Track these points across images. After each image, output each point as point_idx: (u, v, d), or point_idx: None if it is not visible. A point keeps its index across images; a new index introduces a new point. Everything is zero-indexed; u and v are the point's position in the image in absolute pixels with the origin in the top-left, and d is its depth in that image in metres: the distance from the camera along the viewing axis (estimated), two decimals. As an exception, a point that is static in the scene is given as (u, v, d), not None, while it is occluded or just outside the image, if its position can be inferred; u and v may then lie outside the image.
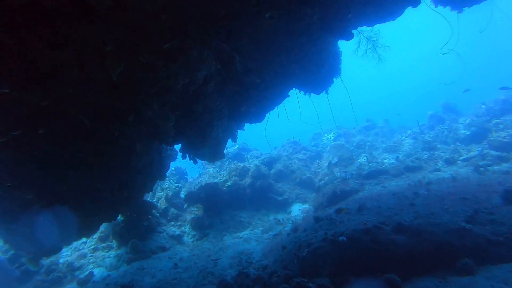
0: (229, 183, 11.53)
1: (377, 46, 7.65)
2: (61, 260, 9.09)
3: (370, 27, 7.16)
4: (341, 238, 4.73)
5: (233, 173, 12.31)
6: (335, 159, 12.86)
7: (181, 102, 5.77)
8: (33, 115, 3.87)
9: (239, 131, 8.86)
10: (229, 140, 8.54)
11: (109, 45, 3.56)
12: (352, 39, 6.90)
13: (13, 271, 8.34)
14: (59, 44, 3.27)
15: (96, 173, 5.26)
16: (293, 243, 5.85)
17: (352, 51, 7.73)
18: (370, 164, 11.51)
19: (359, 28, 7.26)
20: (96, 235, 9.65)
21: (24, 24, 2.88)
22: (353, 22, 6.57)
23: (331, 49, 7.54)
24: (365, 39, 7.51)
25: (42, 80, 3.42)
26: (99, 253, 9.62)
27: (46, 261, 8.22)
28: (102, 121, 4.44)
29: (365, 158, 12.74)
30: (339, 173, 11.37)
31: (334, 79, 8.21)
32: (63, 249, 7.75)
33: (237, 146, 16.87)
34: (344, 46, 7.53)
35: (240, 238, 9.23)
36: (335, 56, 7.86)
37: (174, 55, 4.36)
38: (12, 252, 8.36)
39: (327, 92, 8.51)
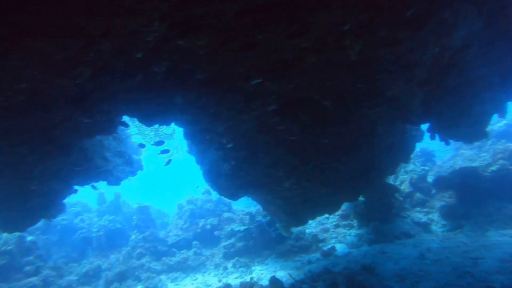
0: (493, 168, 10.96)
1: None
2: (307, 231, 12.56)
3: None
4: None
5: (499, 155, 11.40)
6: None
7: (431, 75, 6.35)
8: (285, 103, 5.91)
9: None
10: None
11: (347, 24, 4.65)
12: None
13: (271, 233, 12.63)
14: (298, 33, 4.67)
15: (338, 156, 7.09)
16: None
17: None
18: None
19: None
20: (338, 213, 12.36)
21: (269, 19, 4.50)
22: None
23: None
24: None
25: (286, 68, 5.21)
26: (340, 230, 12.41)
27: (295, 230, 11.73)
28: (342, 104, 5.99)
29: None
30: None
31: None
32: (309, 222, 10.75)
33: (504, 122, 15.03)
34: None
35: (512, 237, 8.66)
36: None
37: (420, 21, 4.94)
38: (269, 217, 12.56)
39: None
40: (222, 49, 4.58)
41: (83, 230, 15.34)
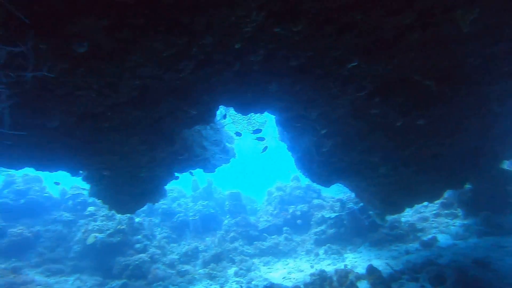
0: None
1: None
2: (403, 219, 11.90)
3: None
4: None
5: None
6: None
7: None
8: (382, 85, 5.65)
9: None
10: None
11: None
12: None
13: (363, 220, 12.27)
14: (400, 9, 4.30)
15: (441, 139, 6.58)
16: None
17: None
18: None
19: None
20: (439, 201, 11.44)
21: None
22: None
23: None
24: None
25: (384, 49, 4.94)
26: (442, 219, 11.49)
27: (389, 218, 11.20)
28: (447, 82, 5.51)
29: None
30: None
31: None
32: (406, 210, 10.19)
33: None
34: None
35: None
36: None
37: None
38: (361, 204, 12.19)
39: None
40: (318, 34, 4.52)
41: (181, 214, 16.78)
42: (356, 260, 10.62)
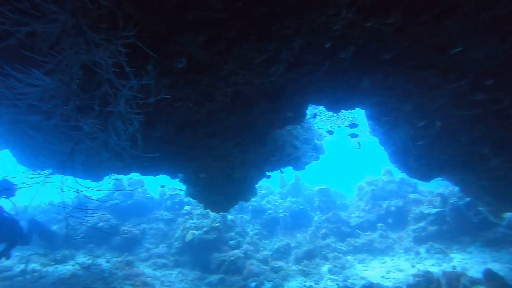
0: None
1: None
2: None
3: None
4: None
5: None
6: None
7: None
8: (491, 69, 5.10)
9: None
10: None
11: None
12: None
13: (471, 217, 11.19)
14: None
15: None
16: None
17: None
18: None
19: None
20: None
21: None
22: None
23: None
24: None
25: (497, 28, 4.38)
26: None
27: (508, 215, 10.03)
28: None
29: None
30: None
31: None
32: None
33: None
34: None
35: None
36: None
37: None
38: (468, 199, 11.12)
39: None
40: (414, 23, 4.25)
41: (271, 211, 17.18)
42: (467, 262, 9.73)
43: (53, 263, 12.39)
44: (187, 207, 15.73)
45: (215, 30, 3.79)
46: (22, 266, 10.42)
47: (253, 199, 17.11)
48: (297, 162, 8.16)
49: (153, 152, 6.62)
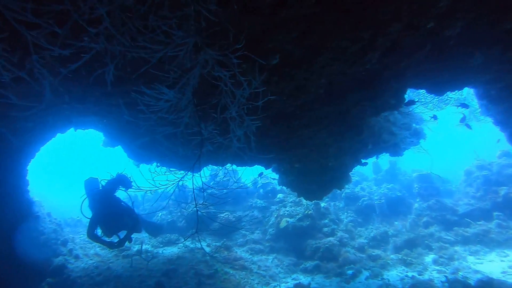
0: None
1: None
2: None
3: None
4: None
5: None
6: None
7: None
8: None
9: None
10: None
11: None
12: None
13: None
14: None
15: None
16: None
17: None
18: None
19: None
20: None
21: None
22: None
23: None
24: None
25: None
26: None
27: None
28: None
29: None
30: None
31: None
32: None
33: None
34: None
35: None
36: None
37: None
38: None
39: None
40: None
41: (365, 198, 16.63)
42: None
43: (161, 246, 13.84)
44: (280, 195, 16.08)
45: (307, 24, 3.77)
46: (137, 247, 11.86)
47: (346, 186, 16.79)
48: (394, 149, 7.73)
49: (249, 145, 6.91)
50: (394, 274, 10.74)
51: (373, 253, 12.42)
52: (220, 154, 5.93)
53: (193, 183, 4.02)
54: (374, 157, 9.13)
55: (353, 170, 9.51)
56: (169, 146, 7.02)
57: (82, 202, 7.59)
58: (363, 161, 8.55)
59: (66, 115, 5.84)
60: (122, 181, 7.52)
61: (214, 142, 3.65)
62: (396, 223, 15.02)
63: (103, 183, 7.61)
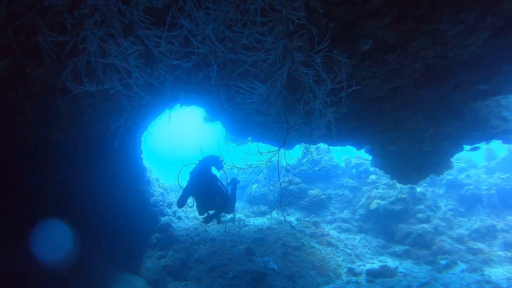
0: None
1: None
2: None
3: None
4: None
5: None
6: None
7: None
8: None
9: None
10: None
11: None
12: None
13: None
14: None
15: None
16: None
17: None
18: None
19: None
20: None
21: None
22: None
23: None
24: None
25: None
26: None
27: None
28: None
29: None
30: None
31: None
32: None
33: None
34: None
35: None
36: None
37: None
38: None
39: None
40: None
41: (470, 187, 15.20)
42: None
43: (253, 216, 14.87)
44: (372, 176, 15.75)
45: (402, 9, 3.71)
46: (231, 215, 12.98)
47: (448, 171, 15.56)
48: (506, 135, 6.98)
49: (339, 126, 7.02)
50: (499, 271, 9.91)
51: (474, 246, 11.55)
52: (312, 134, 6.21)
53: (278, 163, 4.39)
54: (483, 143, 8.37)
55: (454, 155, 8.88)
56: (260, 131, 7.51)
57: (180, 172, 8.01)
58: (468, 147, 7.93)
59: (173, 94, 6.66)
60: (213, 161, 7.76)
61: (299, 130, 3.97)
62: (509, 217, 13.52)
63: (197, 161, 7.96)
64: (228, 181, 8.08)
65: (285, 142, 3.59)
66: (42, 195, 6.74)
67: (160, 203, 12.12)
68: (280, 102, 3.26)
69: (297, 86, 3.77)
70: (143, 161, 11.92)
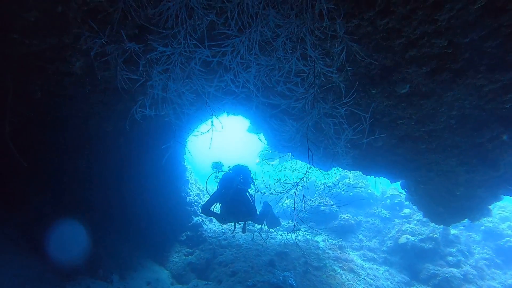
0: None
1: None
2: None
3: None
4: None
5: None
6: None
7: None
8: None
9: None
10: None
11: None
12: None
13: None
14: None
15: None
16: None
17: None
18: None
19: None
20: None
21: None
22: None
23: None
24: None
25: None
26: None
27: None
28: None
29: None
30: None
31: None
32: None
33: None
34: None
35: None
36: None
37: None
38: None
39: None
40: None
41: (511, 238, 14.58)
42: None
43: (281, 230, 15.22)
44: (406, 210, 15.56)
45: (439, 62, 4.03)
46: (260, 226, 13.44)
47: (488, 219, 14.99)
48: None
49: (374, 157, 7.31)
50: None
51: (507, 303, 11.17)
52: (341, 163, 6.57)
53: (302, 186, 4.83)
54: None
55: (497, 203, 8.72)
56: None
57: (208, 178, 8.18)
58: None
59: (221, 104, 7.25)
60: (244, 173, 7.77)
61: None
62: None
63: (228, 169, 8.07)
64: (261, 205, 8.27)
65: (306, 172, 4.06)
66: (93, 179, 7.66)
67: (195, 203, 12.84)
68: (305, 144, 3.71)
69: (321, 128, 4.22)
70: (185, 161, 12.75)
